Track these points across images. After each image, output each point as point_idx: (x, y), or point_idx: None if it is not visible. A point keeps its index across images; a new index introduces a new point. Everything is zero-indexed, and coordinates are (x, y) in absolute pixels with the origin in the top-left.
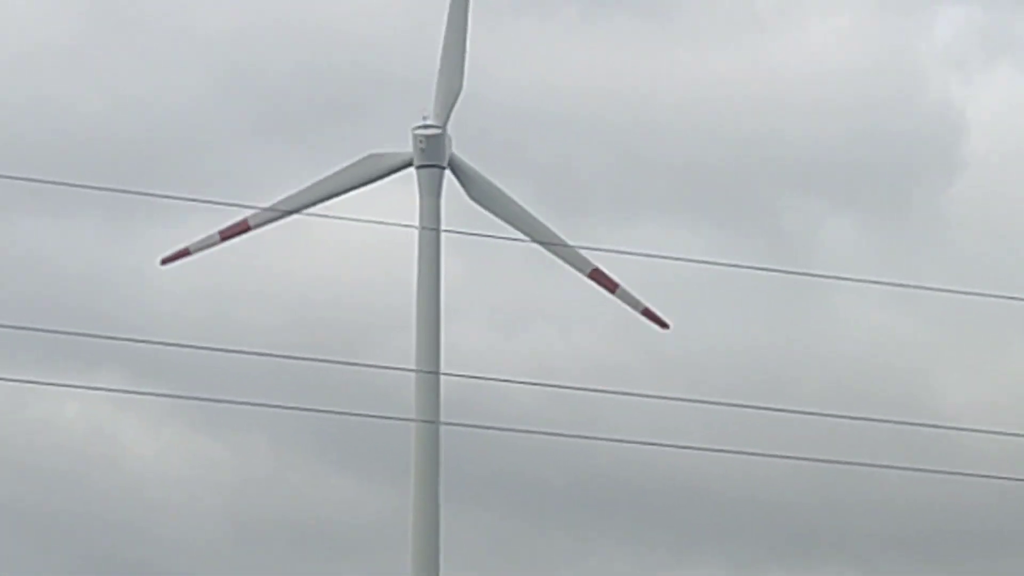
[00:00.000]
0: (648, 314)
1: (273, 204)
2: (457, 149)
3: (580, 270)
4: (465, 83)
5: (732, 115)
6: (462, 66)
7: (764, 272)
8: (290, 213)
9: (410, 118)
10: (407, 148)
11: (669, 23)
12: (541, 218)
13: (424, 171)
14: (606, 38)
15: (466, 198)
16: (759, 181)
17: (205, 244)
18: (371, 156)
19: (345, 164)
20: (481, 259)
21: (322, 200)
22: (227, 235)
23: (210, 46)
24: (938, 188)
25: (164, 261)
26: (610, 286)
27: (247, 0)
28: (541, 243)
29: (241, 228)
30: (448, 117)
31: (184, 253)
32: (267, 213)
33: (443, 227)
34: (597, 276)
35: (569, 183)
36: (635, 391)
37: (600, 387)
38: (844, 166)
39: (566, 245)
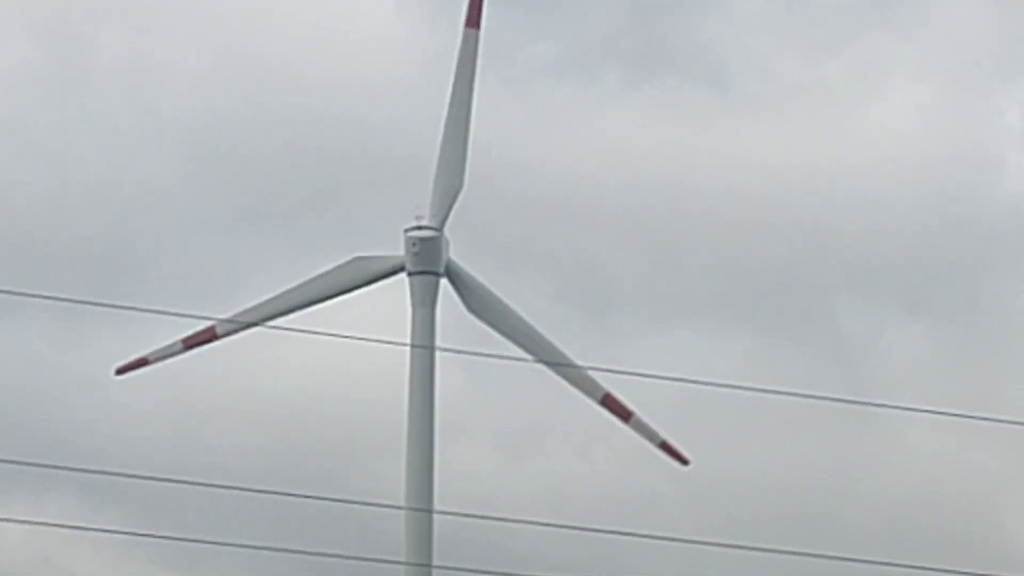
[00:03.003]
0: (667, 448)
1: (244, 311)
2: (464, 237)
3: (591, 396)
4: (467, 178)
5: (785, 203)
6: (463, 161)
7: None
8: (264, 321)
9: (407, 207)
10: (400, 244)
11: (721, 93)
12: (548, 335)
13: (417, 278)
14: (646, 109)
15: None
16: (813, 280)
17: (166, 353)
18: (358, 259)
19: (329, 267)
20: (484, 371)
21: (301, 307)
22: (192, 343)
23: (178, 122)
24: (1016, 289)
25: (119, 371)
26: (624, 415)
27: (220, 73)
28: (546, 363)
29: (208, 336)
30: (446, 218)
31: (142, 363)
32: (238, 321)
33: (439, 341)
34: (610, 403)
35: (593, 281)
36: (661, 528)
37: (621, 522)
38: (910, 264)
39: (574, 366)
